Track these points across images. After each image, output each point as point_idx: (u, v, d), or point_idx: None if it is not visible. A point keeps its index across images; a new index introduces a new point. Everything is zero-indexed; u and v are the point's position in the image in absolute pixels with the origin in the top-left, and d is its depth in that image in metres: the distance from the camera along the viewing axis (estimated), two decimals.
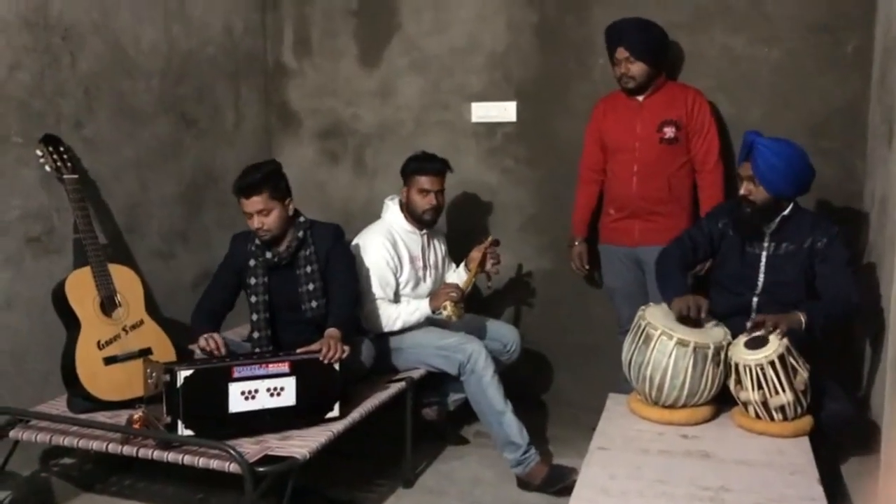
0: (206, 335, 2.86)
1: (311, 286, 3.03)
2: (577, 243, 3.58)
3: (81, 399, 2.82)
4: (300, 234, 3.03)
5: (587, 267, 3.59)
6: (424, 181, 3.29)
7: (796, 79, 3.41)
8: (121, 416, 2.70)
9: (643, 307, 2.80)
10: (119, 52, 3.30)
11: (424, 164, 3.32)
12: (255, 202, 2.92)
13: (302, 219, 3.07)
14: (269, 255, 3.02)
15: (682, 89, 3.36)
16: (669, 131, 3.28)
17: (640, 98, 3.33)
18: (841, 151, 3.37)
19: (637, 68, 3.26)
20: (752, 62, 3.46)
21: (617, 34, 3.29)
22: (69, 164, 2.94)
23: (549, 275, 3.87)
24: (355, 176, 4.19)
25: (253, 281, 3.03)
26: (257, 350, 2.99)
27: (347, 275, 3.08)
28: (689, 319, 2.67)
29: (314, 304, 3.02)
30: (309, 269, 3.03)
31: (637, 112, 3.33)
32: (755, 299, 2.82)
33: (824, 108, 3.39)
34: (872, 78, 3.29)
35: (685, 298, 2.69)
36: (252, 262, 3.03)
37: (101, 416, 2.77)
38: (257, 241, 3.02)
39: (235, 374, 2.62)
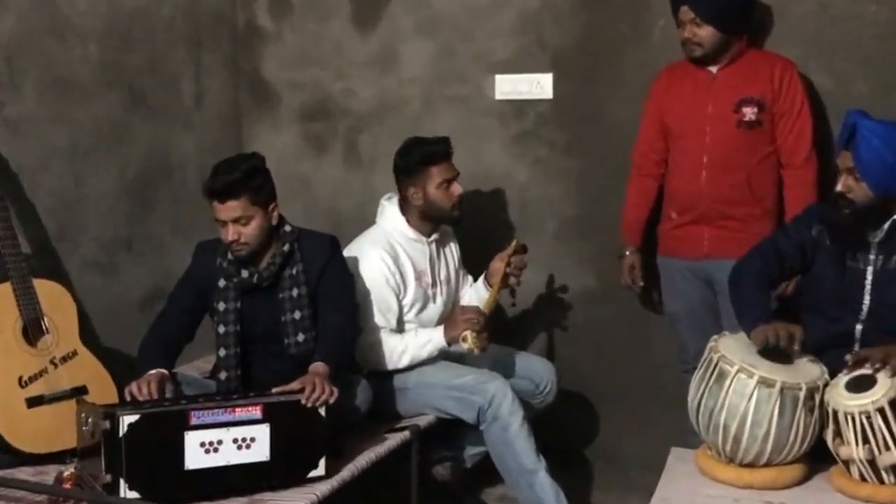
0: (138, 382, 2.79)
1: (297, 314, 3.02)
2: (627, 253, 3.57)
3: None
4: (286, 247, 3.03)
5: (642, 283, 3.59)
6: (442, 170, 3.31)
7: None
8: (48, 473, 2.69)
9: (715, 337, 2.78)
10: (49, 9, 3.31)
11: (433, 150, 3.32)
12: (230, 208, 2.90)
13: (288, 228, 3.06)
14: (244, 273, 3.01)
15: (767, 59, 3.34)
16: (749, 112, 3.26)
17: (714, 70, 3.33)
18: None
19: (705, 33, 3.26)
20: (856, 23, 3.44)
21: None
22: None
23: (593, 294, 3.86)
24: (347, 169, 4.20)
25: (222, 306, 3.02)
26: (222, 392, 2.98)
27: (343, 299, 3.08)
28: (775, 353, 2.65)
29: (300, 337, 3.02)
30: (295, 292, 3.03)
31: (708, 88, 3.33)
32: (859, 326, 2.79)
33: None
34: None
35: (772, 326, 2.66)
36: (222, 283, 3.02)
37: (23, 473, 2.76)
38: (230, 256, 3.01)
39: (193, 421, 2.60)
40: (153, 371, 2.84)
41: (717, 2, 3.24)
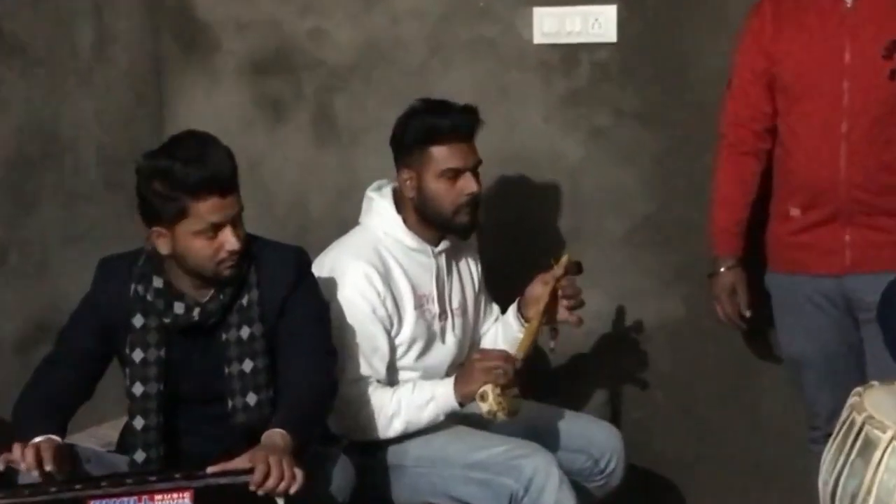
0: (27, 443, 2.78)
1: (246, 365, 3.03)
2: (723, 269, 3.60)
3: None
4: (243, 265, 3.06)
5: (748, 313, 3.60)
6: (449, 154, 3.29)
7: None
8: None
9: (859, 389, 2.78)
10: None
11: (442, 123, 3.31)
12: (233, 202, 2.94)
13: None
14: (179, 309, 3.01)
15: None
16: None
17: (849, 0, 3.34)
18: None
19: None
20: None
21: None
22: None
23: (680, 329, 3.91)
24: (317, 144, 4.24)
25: (139, 355, 3.02)
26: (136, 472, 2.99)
27: (314, 341, 3.08)
28: None
29: (251, 398, 3.02)
30: (245, 332, 3.04)
31: (842, 22, 3.33)
32: None
33: None
34: None
35: None
36: (139, 321, 3.02)
37: None
38: (157, 283, 3.01)
39: None
40: (41, 438, 2.82)
41: None
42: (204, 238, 2.91)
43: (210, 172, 2.88)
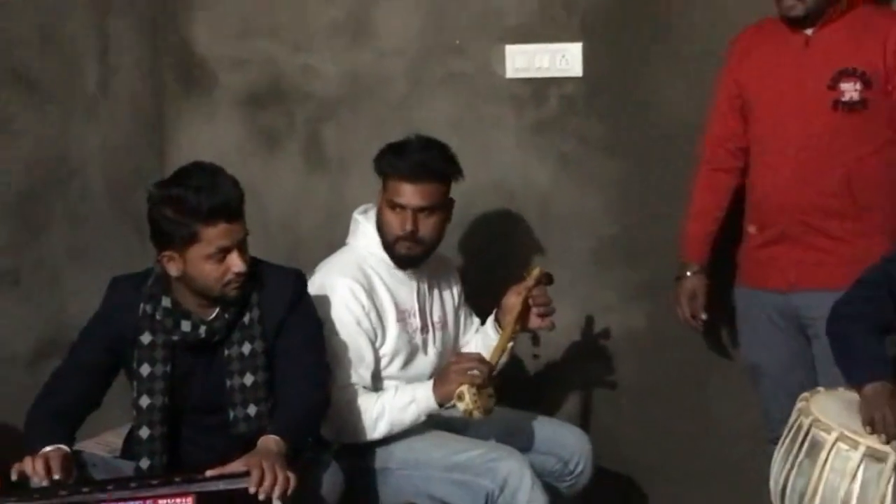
0: (36, 455, 2.77)
1: (247, 379, 3.03)
2: (689, 274, 3.59)
3: None
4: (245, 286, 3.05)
5: (704, 317, 3.60)
6: (399, 189, 3.27)
7: None
8: None
9: (806, 395, 2.79)
10: None
11: (399, 160, 3.28)
12: (240, 228, 2.94)
13: None
14: (186, 327, 3.00)
15: (881, 17, 3.31)
16: (850, 89, 3.23)
17: (809, 32, 3.32)
18: None
19: None
20: None
21: None
22: None
23: (643, 339, 3.90)
24: (307, 171, 4.24)
25: (146, 370, 3.01)
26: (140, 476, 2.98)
27: (310, 353, 3.08)
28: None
29: (251, 409, 3.02)
30: (247, 348, 3.03)
31: (798, 55, 3.32)
32: None
33: None
34: None
35: (885, 398, 2.65)
36: (147, 338, 3.01)
37: None
38: (165, 303, 3.00)
39: None
40: (50, 448, 2.81)
41: None
42: (213, 261, 2.90)
43: (220, 200, 2.88)
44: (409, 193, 3.26)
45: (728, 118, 3.49)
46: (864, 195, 3.28)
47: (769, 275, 3.42)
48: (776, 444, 3.16)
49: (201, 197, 2.86)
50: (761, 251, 3.43)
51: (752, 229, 3.45)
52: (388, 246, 3.32)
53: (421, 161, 3.27)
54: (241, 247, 2.94)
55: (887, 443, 2.60)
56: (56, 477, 2.72)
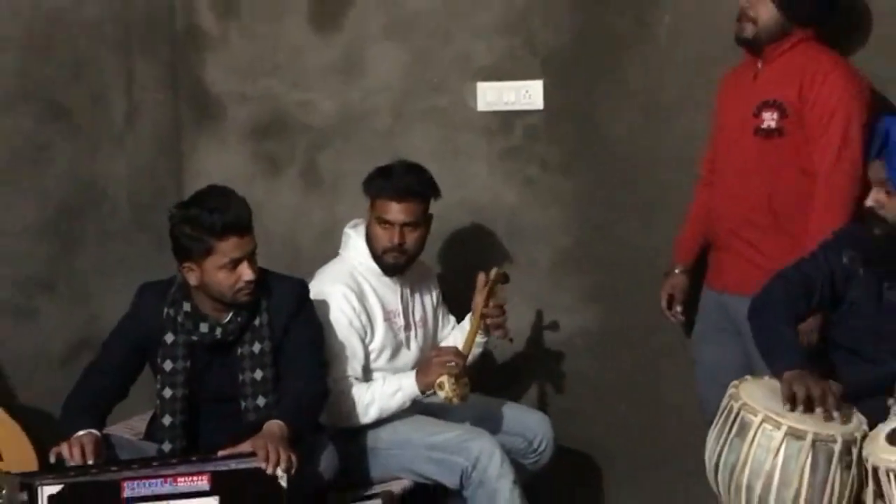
0: (70, 440, 2.78)
1: (257, 374, 3.03)
2: (675, 272, 3.58)
3: None
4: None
5: (679, 308, 3.58)
6: (386, 208, 3.29)
7: None
8: None
9: (735, 382, 2.79)
10: None
11: (387, 183, 3.31)
12: (249, 242, 2.96)
13: None
14: (204, 328, 3.01)
15: (811, 57, 3.23)
16: (769, 118, 3.21)
17: (760, 64, 3.29)
18: None
19: (764, 8, 3.20)
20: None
21: None
22: None
23: (595, 336, 3.89)
24: (305, 192, 4.22)
25: (169, 366, 3.01)
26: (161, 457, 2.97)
27: (311, 352, 3.09)
28: (808, 400, 2.65)
29: (260, 400, 3.02)
30: (257, 347, 3.04)
31: (747, 86, 3.31)
32: None
33: None
34: None
35: (803, 378, 2.66)
36: (170, 338, 3.01)
37: None
38: (186, 307, 3.00)
39: (127, 493, 2.57)
40: (83, 432, 2.82)
41: None
42: (226, 271, 2.92)
43: (231, 218, 2.91)
44: (396, 211, 3.27)
45: (714, 141, 3.48)
46: (783, 212, 3.26)
47: (714, 276, 3.44)
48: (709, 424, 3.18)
49: (215, 216, 2.89)
50: (711, 256, 3.46)
51: (710, 237, 3.46)
52: (378, 256, 3.33)
53: (405, 183, 3.30)
54: (251, 258, 2.95)
55: (805, 412, 2.60)
56: (89, 460, 2.73)
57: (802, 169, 3.23)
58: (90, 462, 2.75)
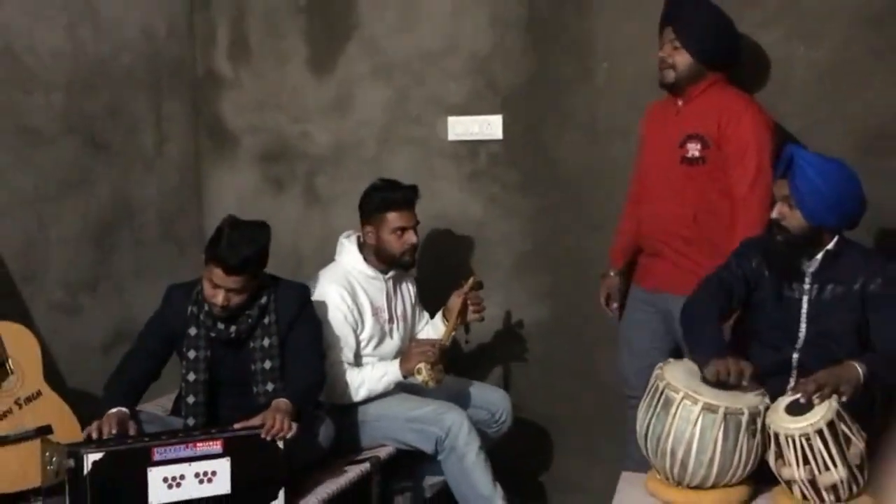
0: (98, 422, 2.77)
1: (266, 364, 3.02)
2: (611, 274, 3.57)
3: None
4: (262, 300, 3.03)
5: (616, 305, 3.58)
6: (397, 217, 3.30)
7: (842, 83, 3.47)
8: None
9: (661, 365, 2.80)
10: (12, 59, 3.32)
11: (393, 197, 3.32)
12: (233, 281, 2.90)
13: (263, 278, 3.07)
14: (220, 326, 3.00)
15: (727, 97, 3.25)
16: (693, 149, 3.22)
17: (680, 103, 3.30)
18: None
19: (680, 58, 3.21)
20: (788, 63, 3.52)
21: (668, 11, 3.28)
22: None
23: (547, 327, 3.89)
24: (306, 208, 4.22)
25: (192, 354, 3.01)
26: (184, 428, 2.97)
27: (311, 345, 3.09)
28: (723, 384, 2.67)
29: (269, 386, 3.01)
30: (266, 342, 3.03)
31: (671, 120, 3.30)
32: (796, 355, 2.82)
33: (877, 120, 3.43)
34: None
35: (724, 361, 2.67)
36: (193, 331, 3.01)
37: None
38: (206, 308, 3.00)
39: (156, 457, 2.60)
40: (113, 410, 2.83)
41: (697, 29, 3.20)
42: (208, 286, 2.93)
43: (221, 256, 2.88)
44: (407, 217, 3.32)
45: (639, 165, 3.48)
46: (706, 226, 3.25)
47: (646, 277, 3.44)
48: (634, 399, 3.19)
49: (220, 248, 2.88)
50: (642, 260, 3.45)
51: (641, 246, 3.46)
52: (395, 260, 3.35)
53: (406, 192, 3.34)
54: (232, 291, 2.92)
55: (736, 382, 2.63)
56: (114, 431, 2.73)
57: (721, 190, 3.22)
58: (115, 431, 2.75)
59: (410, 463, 3.41)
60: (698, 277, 3.03)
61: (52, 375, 3.18)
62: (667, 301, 3.30)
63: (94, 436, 2.73)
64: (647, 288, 3.41)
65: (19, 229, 3.37)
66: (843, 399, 2.53)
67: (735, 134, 3.16)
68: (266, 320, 3.03)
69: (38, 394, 3.00)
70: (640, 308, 3.46)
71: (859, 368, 2.57)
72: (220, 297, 2.91)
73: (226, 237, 2.89)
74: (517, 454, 3.75)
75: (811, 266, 2.83)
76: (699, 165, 3.22)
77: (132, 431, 2.78)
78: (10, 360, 2.95)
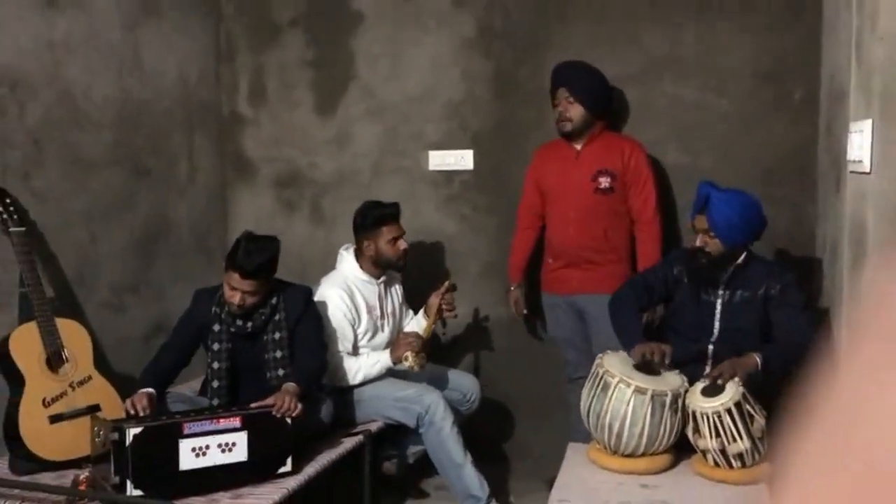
0: (131, 398, 2.76)
1: (278, 353, 3.00)
2: (513, 289, 3.57)
3: (24, 460, 2.74)
4: (273, 300, 3.01)
5: (525, 312, 3.59)
6: (390, 230, 3.32)
7: (746, 127, 3.51)
8: (66, 477, 2.63)
9: (601, 355, 2.81)
10: (70, 102, 3.29)
11: (385, 213, 3.34)
12: (248, 284, 2.87)
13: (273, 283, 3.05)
14: (239, 323, 2.97)
15: (619, 140, 3.42)
16: (605, 181, 3.30)
17: (578, 147, 3.37)
18: (792, 198, 3.46)
19: (575, 111, 3.30)
20: (703, 111, 3.56)
21: (559, 75, 3.36)
22: (15, 217, 2.90)
23: (507, 323, 3.88)
24: (312, 225, 4.19)
25: (216, 346, 2.99)
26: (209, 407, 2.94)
27: (315, 337, 3.07)
28: (648, 368, 2.69)
29: (280, 372, 2.99)
30: (277, 335, 3.01)
31: (574, 161, 3.37)
32: (711, 347, 2.85)
33: (774, 155, 3.49)
34: (820, 125, 3.40)
35: (648, 345, 2.70)
36: (217, 327, 2.98)
37: (46, 478, 2.69)
38: (227, 308, 2.97)
39: (186, 431, 2.58)
40: (144, 390, 2.82)
41: (587, 85, 3.31)
42: (228, 289, 2.91)
43: (239, 263, 2.86)
44: (398, 228, 3.33)
45: (532, 197, 3.50)
46: (613, 240, 3.34)
47: (561, 286, 3.44)
48: (571, 382, 3.27)
49: (239, 256, 2.87)
50: (557, 272, 3.44)
51: (550, 260, 3.47)
52: (393, 265, 3.35)
53: (393, 209, 3.36)
54: (248, 293, 2.89)
55: (660, 362, 2.67)
56: (146, 409, 2.72)
57: (623, 210, 3.35)
58: (146, 410, 2.73)
59: (396, 435, 3.40)
60: (606, 278, 3.21)
61: (101, 363, 3.15)
62: (580, 301, 3.36)
63: (129, 408, 2.72)
64: (566, 293, 3.42)
65: (75, 243, 3.33)
66: (739, 380, 2.57)
67: (635, 167, 3.31)
68: (277, 317, 3.01)
69: (89, 378, 2.96)
70: (560, 311, 3.47)
71: (757, 358, 2.62)
72: (237, 298, 2.89)
73: (242, 248, 2.88)
74: (484, 427, 3.74)
75: (724, 276, 2.86)
76: (610, 194, 3.31)
77: (149, 410, 2.75)
78: (65, 350, 2.92)
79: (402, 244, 3.34)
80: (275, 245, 2.97)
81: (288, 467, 2.72)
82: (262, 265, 2.88)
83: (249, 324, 2.98)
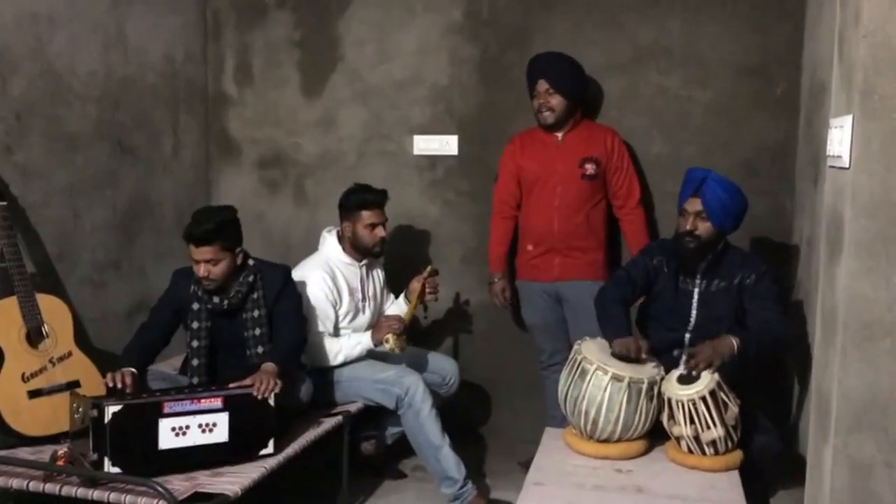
0: (112, 373, 2.74)
1: (257, 331, 2.98)
2: (497, 280, 3.55)
3: (2, 434, 2.72)
4: (250, 278, 2.99)
5: (510, 300, 3.57)
6: (370, 215, 3.28)
7: (728, 119, 3.52)
8: (44, 453, 2.61)
9: (579, 341, 2.82)
10: (54, 77, 3.24)
11: (367, 197, 3.30)
12: (204, 252, 2.86)
13: (251, 261, 3.02)
14: (216, 300, 2.95)
15: (599, 128, 3.44)
16: (591, 168, 3.33)
17: (559, 135, 3.38)
18: (771, 190, 3.48)
19: (556, 101, 3.31)
20: (687, 102, 3.56)
21: (538, 67, 3.36)
22: None
23: (488, 307, 3.86)
24: (296, 206, 4.16)
25: (195, 325, 2.96)
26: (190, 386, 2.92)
27: (294, 315, 3.05)
28: (626, 357, 2.69)
29: (260, 349, 2.97)
30: (256, 313, 2.99)
31: (557, 149, 3.38)
32: (688, 335, 2.86)
33: (755, 148, 3.50)
34: (800, 119, 3.42)
35: (626, 341, 2.70)
36: (195, 306, 2.96)
37: (24, 453, 2.67)
38: (202, 285, 2.95)
39: (166, 410, 2.56)
40: (126, 369, 2.80)
41: (568, 76, 3.33)
42: (194, 265, 2.91)
43: (188, 232, 2.87)
44: (378, 215, 3.29)
45: (510, 186, 3.48)
46: (594, 227, 3.38)
47: (540, 273, 3.43)
48: (545, 369, 3.31)
49: (187, 227, 2.87)
50: (536, 259, 3.43)
51: (529, 247, 3.45)
52: (368, 250, 3.32)
53: (377, 195, 3.32)
54: (209, 262, 2.87)
55: (636, 358, 2.67)
56: (127, 386, 2.71)
57: (603, 199, 3.40)
58: (128, 387, 2.71)
59: (376, 416, 3.39)
60: (586, 265, 3.33)
61: (82, 339, 3.12)
62: (560, 288, 3.38)
63: (109, 383, 2.70)
64: (547, 281, 3.41)
65: (57, 218, 3.29)
66: (717, 363, 2.58)
67: (619, 152, 3.39)
68: (255, 295, 2.99)
69: (69, 354, 2.94)
70: (539, 298, 3.46)
71: (733, 340, 2.63)
72: (201, 270, 2.88)
73: (192, 219, 2.89)
74: (463, 411, 3.74)
75: (702, 265, 2.86)
76: (594, 181, 3.35)
77: (131, 390, 2.73)
78: (46, 326, 2.89)
79: (380, 232, 3.31)
80: (225, 212, 2.95)
81: (270, 450, 2.71)
82: (210, 230, 2.84)
83: (226, 301, 2.96)
